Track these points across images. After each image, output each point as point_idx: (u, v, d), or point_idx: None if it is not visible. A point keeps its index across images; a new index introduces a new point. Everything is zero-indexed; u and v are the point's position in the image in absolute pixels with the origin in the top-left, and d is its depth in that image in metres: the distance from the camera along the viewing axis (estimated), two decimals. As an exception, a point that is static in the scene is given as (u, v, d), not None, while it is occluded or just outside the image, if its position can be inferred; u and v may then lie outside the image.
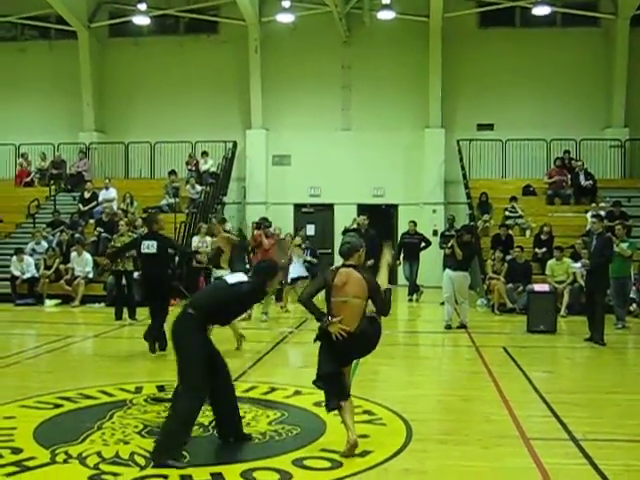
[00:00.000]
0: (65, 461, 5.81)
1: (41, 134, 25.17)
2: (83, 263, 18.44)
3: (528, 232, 20.28)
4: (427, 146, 24.12)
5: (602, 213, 17.88)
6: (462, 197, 22.91)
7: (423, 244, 19.33)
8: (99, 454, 5.95)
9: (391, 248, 6.93)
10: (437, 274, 20.40)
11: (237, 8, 23.49)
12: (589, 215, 18.27)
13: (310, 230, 24.79)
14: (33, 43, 26.51)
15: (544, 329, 13.54)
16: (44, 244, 19.46)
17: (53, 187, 23.70)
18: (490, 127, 24.39)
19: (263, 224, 15.31)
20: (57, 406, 7.60)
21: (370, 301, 6.13)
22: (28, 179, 24.63)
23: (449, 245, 14.62)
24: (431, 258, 19.92)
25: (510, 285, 17.13)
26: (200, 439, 6.42)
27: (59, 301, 18.15)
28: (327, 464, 5.80)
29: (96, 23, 25.46)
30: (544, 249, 18.49)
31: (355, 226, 16.55)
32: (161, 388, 8.44)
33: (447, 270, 14.50)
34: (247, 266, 15.00)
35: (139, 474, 5.54)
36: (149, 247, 11.10)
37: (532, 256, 18.57)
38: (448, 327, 14.06)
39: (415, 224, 19.80)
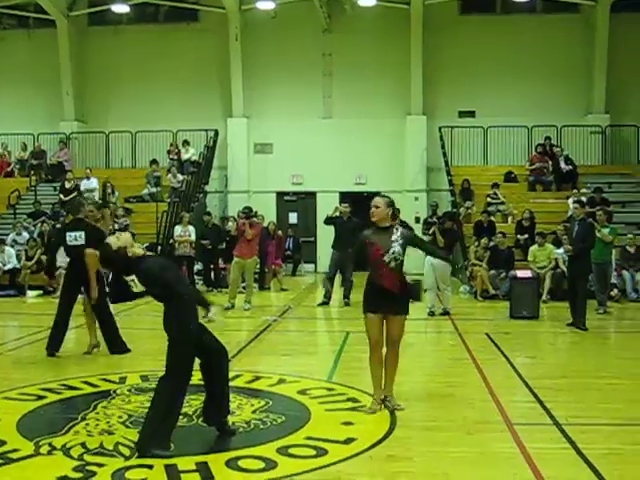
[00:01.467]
0: (49, 452, 5.79)
1: (21, 124, 24.95)
2: (65, 254, 18.28)
3: (510, 218, 20.36)
4: (409, 133, 24.16)
5: (583, 199, 17.95)
6: (444, 184, 22.96)
7: (406, 231, 19.34)
8: (83, 445, 5.93)
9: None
10: (419, 261, 20.46)
11: (217, -4, 23.42)
12: (570, 201, 18.35)
13: (293, 218, 24.80)
14: (12, 32, 26.27)
15: (527, 315, 13.61)
16: (25, 235, 19.34)
17: (33, 177, 23.55)
18: (472, 114, 24.44)
19: (248, 214, 15.30)
20: (40, 397, 7.56)
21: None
22: (8, 169, 24.46)
23: (430, 232, 14.65)
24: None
25: (493, 271, 17.18)
26: (185, 429, 6.39)
27: (41, 292, 18.05)
28: (312, 452, 5.80)
29: (75, 12, 25.29)
30: (526, 235, 18.58)
31: (337, 214, 16.51)
32: (145, 378, 8.40)
33: (428, 257, 14.49)
34: None
35: (124, 464, 5.52)
36: (76, 238, 10.07)
37: (514, 242, 18.65)
38: (431, 314, 14.09)
39: (398, 211, 19.78)
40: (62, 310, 10.14)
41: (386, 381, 7.03)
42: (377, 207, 6.84)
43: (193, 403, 7.15)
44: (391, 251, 6.70)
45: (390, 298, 6.77)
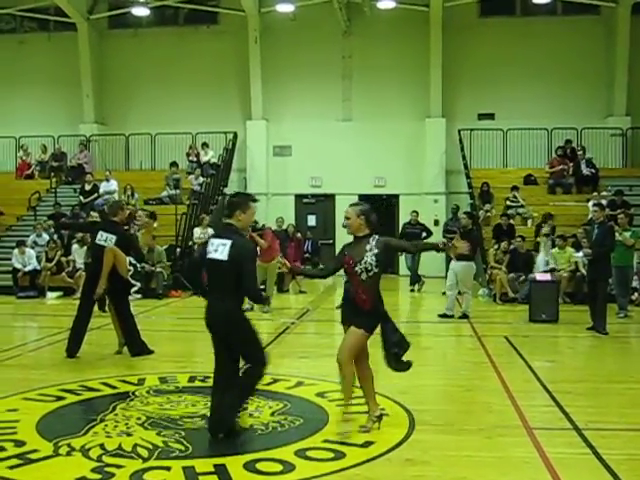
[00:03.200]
0: (68, 453, 5.81)
1: (41, 126, 25.14)
2: (84, 255, 18.41)
3: (530, 222, 20.26)
4: (428, 136, 24.11)
5: (604, 202, 17.84)
6: (463, 187, 22.88)
7: (424, 234, 19.31)
8: (102, 446, 5.95)
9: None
10: (438, 264, 20.44)
11: (237, -1, 23.49)
12: (590, 204, 18.20)
13: (311, 221, 24.81)
14: (32, 35, 26.46)
15: (546, 318, 13.54)
16: (45, 236, 19.44)
17: (54, 179, 23.68)
18: (491, 116, 24.36)
19: (254, 227, 15.57)
20: (60, 398, 7.60)
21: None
22: (29, 172, 24.63)
23: (450, 238, 14.65)
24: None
25: (512, 275, 17.11)
26: (202, 431, 6.41)
27: (61, 293, 18.15)
28: (330, 455, 5.79)
29: (95, 15, 25.44)
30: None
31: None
32: (163, 380, 8.43)
33: (452, 262, 14.50)
34: None
35: (142, 466, 5.53)
36: (107, 240, 9.89)
37: (533, 245, 18.56)
38: (445, 316, 14.09)
39: (417, 214, 19.80)
40: (82, 311, 10.16)
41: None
42: (348, 218, 6.44)
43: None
44: (363, 261, 6.31)
45: (354, 310, 6.43)
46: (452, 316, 14.08)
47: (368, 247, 6.32)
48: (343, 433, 6.27)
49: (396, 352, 6.48)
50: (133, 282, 10.04)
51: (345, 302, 6.61)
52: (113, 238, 9.89)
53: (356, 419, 6.53)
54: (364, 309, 6.36)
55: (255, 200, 6.53)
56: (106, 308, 10.66)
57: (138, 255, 10.45)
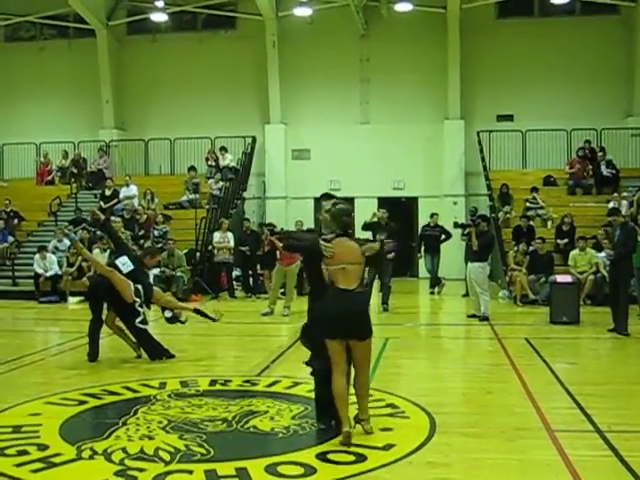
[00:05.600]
0: (91, 457, 5.84)
1: (61, 132, 25.33)
2: (105, 261, 18.47)
3: (549, 223, 20.16)
4: (447, 138, 24.04)
5: (624, 202, 17.73)
6: (483, 189, 22.81)
7: (443, 236, 19.26)
8: (124, 450, 5.97)
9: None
10: (458, 267, 20.37)
11: (254, 3, 23.54)
12: (611, 205, 18.12)
13: (331, 224, 24.76)
14: (52, 42, 26.65)
15: (567, 320, 13.46)
16: (66, 242, 19.56)
17: (74, 185, 23.83)
18: (510, 118, 24.25)
19: (272, 230, 15.78)
20: (82, 402, 7.64)
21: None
22: (49, 177, 24.81)
23: (465, 232, 14.67)
24: (452, 251, 19.82)
25: (532, 276, 17.04)
26: (224, 434, 6.44)
27: (82, 298, 18.18)
28: (351, 458, 5.78)
29: (114, 21, 25.59)
30: (566, 240, 18.41)
31: (375, 220, 16.49)
32: (184, 384, 8.46)
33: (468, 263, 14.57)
34: None
35: (164, 469, 5.55)
36: (124, 265, 10.15)
37: (554, 247, 18.48)
38: (473, 316, 14.21)
39: (437, 216, 19.78)
40: (93, 318, 10.31)
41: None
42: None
43: (232, 409, 7.19)
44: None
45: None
46: (479, 317, 14.03)
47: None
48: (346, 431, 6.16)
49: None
50: (138, 309, 10.08)
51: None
52: (130, 267, 10.16)
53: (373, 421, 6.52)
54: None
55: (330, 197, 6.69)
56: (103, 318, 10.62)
57: (147, 293, 10.47)
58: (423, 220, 21.56)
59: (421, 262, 20.18)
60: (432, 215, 19.92)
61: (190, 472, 5.49)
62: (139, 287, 10.15)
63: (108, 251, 17.37)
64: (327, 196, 6.71)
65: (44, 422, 6.84)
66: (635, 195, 19.48)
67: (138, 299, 10.07)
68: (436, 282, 19.43)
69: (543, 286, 16.48)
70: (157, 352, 10.12)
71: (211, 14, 25.48)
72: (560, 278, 14.63)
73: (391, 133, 23.98)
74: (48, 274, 18.51)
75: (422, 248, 19.37)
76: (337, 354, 6.23)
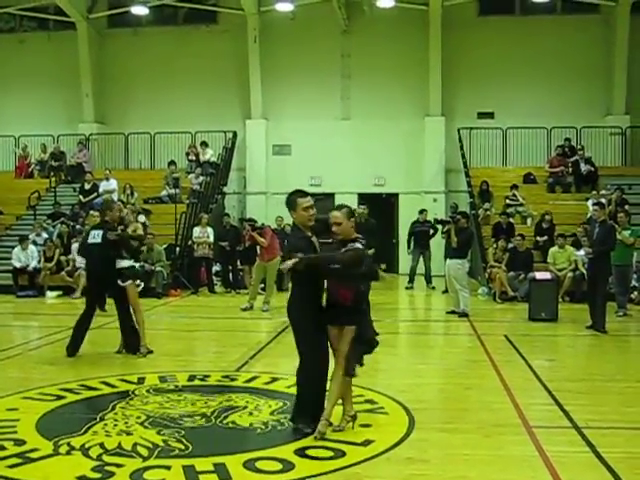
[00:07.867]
0: (68, 452, 5.82)
1: (41, 125, 25.16)
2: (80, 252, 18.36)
3: (529, 220, 20.26)
4: (427, 135, 24.09)
5: (603, 201, 17.82)
6: (463, 185, 22.87)
7: (432, 231, 19.34)
8: (102, 445, 5.95)
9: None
10: (438, 263, 20.41)
11: (236, -2, 23.49)
12: (590, 203, 18.23)
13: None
14: (32, 34, 26.43)
15: (546, 317, 13.53)
16: (44, 235, 19.44)
17: (53, 179, 23.67)
18: (490, 115, 24.34)
19: (254, 226, 15.70)
20: (59, 397, 7.60)
21: None
22: (28, 171, 24.61)
23: (445, 229, 14.73)
24: (434, 247, 19.86)
25: (511, 273, 17.12)
26: (203, 429, 6.43)
27: (60, 292, 18.13)
28: (329, 453, 5.80)
29: (95, 14, 25.40)
30: (545, 237, 18.50)
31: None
32: (163, 379, 8.43)
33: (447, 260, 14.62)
34: None
35: (142, 465, 5.54)
36: (94, 237, 10.13)
37: (533, 244, 18.57)
38: (451, 313, 14.25)
39: (426, 212, 19.88)
40: (85, 311, 10.21)
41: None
42: (339, 224, 6.34)
43: (211, 404, 7.17)
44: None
45: (339, 310, 6.40)
46: (459, 313, 14.08)
47: (345, 248, 6.32)
48: (337, 427, 6.30)
49: (364, 350, 6.48)
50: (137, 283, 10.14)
51: (328, 303, 6.50)
52: (100, 233, 10.07)
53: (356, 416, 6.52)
54: (346, 306, 6.35)
55: (304, 194, 6.53)
56: (105, 308, 10.68)
57: (128, 251, 10.42)
58: (403, 216, 21.62)
59: (402, 258, 20.23)
60: (421, 211, 20.00)
61: (168, 468, 5.48)
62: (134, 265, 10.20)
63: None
64: (301, 193, 6.53)
65: (21, 417, 6.81)
66: (613, 193, 19.65)
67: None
68: (429, 279, 19.51)
69: (522, 283, 16.58)
70: (135, 347, 10.07)
71: (192, 8, 25.33)
72: (539, 275, 14.71)
73: (372, 129, 24.00)
74: (31, 265, 18.32)
75: (411, 244, 19.52)
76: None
